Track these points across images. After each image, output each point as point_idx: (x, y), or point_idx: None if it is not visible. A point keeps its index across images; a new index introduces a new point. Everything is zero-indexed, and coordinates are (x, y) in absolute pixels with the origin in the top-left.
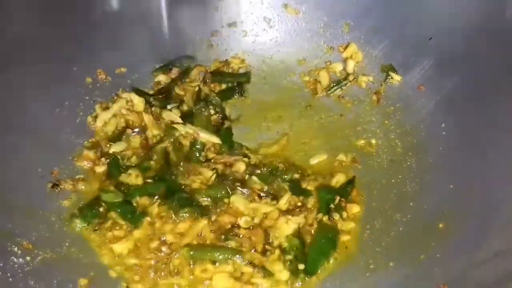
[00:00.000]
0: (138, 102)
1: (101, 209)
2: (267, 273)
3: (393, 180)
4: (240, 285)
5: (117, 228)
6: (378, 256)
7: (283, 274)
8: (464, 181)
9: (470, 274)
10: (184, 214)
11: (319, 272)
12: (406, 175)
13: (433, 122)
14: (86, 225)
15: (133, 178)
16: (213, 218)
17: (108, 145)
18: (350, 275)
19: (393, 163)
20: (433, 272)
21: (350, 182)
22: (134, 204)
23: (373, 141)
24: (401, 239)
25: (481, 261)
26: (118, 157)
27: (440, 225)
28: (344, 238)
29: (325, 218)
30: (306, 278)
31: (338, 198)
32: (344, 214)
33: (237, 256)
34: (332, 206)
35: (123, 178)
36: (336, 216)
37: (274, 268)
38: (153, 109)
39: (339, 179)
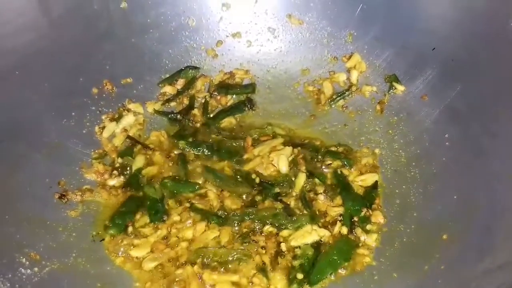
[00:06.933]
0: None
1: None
2: (268, 278)
3: (397, 190)
4: None
5: (136, 235)
6: (382, 267)
7: (280, 282)
8: (468, 192)
9: (474, 286)
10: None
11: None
12: (409, 185)
13: (437, 132)
14: (119, 233)
15: (153, 192)
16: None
17: (119, 159)
18: (353, 286)
19: (396, 173)
20: (437, 283)
21: (374, 187)
22: (166, 207)
23: (377, 151)
24: (405, 250)
25: (485, 272)
26: (139, 174)
27: (444, 236)
28: (363, 251)
29: (345, 230)
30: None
31: (364, 210)
32: (369, 227)
33: (246, 259)
34: (355, 219)
35: (147, 190)
36: (358, 230)
37: (275, 275)
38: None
39: (367, 178)
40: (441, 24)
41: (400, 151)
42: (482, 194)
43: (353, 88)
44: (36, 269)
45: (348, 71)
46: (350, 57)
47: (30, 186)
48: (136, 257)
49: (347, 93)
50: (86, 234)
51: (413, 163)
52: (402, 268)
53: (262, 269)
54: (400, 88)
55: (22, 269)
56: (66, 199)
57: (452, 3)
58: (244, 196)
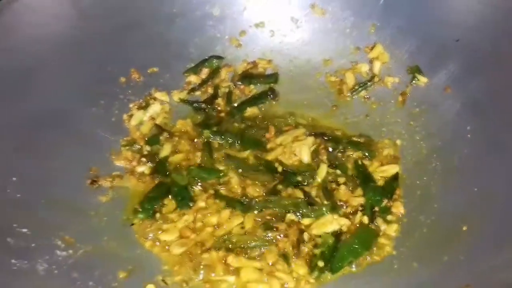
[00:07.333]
0: (188, 128)
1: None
2: (289, 264)
3: (417, 182)
4: (264, 277)
5: (164, 220)
6: (402, 257)
7: (301, 268)
8: (488, 184)
9: (493, 276)
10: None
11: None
12: (430, 177)
13: (459, 125)
14: (147, 218)
15: (181, 178)
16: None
17: (147, 147)
18: (373, 274)
19: (417, 165)
20: (457, 274)
21: (395, 178)
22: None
23: (398, 142)
24: (425, 240)
25: (505, 263)
26: (166, 161)
27: (464, 228)
28: (384, 241)
29: (366, 220)
30: (322, 274)
31: (385, 201)
32: (389, 217)
33: (269, 246)
34: (376, 209)
35: (175, 176)
36: (379, 220)
37: (297, 262)
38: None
39: (387, 170)
40: (465, 16)
41: (422, 142)
42: (502, 186)
43: (376, 79)
44: (71, 251)
45: (371, 61)
46: (372, 47)
47: (63, 172)
48: (165, 241)
49: (369, 83)
50: (117, 219)
51: (434, 155)
52: (422, 258)
53: (284, 256)
54: (422, 79)
55: (58, 251)
56: (97, 185)
57: None
58: (266, 184)
